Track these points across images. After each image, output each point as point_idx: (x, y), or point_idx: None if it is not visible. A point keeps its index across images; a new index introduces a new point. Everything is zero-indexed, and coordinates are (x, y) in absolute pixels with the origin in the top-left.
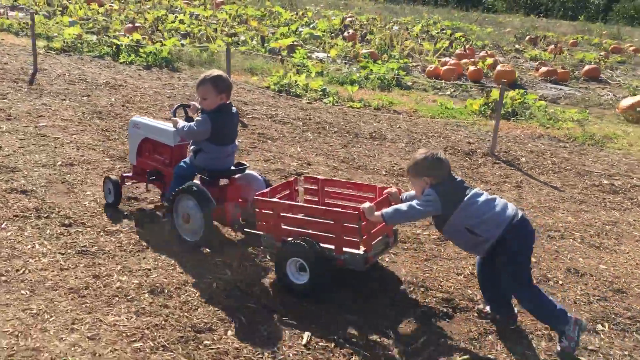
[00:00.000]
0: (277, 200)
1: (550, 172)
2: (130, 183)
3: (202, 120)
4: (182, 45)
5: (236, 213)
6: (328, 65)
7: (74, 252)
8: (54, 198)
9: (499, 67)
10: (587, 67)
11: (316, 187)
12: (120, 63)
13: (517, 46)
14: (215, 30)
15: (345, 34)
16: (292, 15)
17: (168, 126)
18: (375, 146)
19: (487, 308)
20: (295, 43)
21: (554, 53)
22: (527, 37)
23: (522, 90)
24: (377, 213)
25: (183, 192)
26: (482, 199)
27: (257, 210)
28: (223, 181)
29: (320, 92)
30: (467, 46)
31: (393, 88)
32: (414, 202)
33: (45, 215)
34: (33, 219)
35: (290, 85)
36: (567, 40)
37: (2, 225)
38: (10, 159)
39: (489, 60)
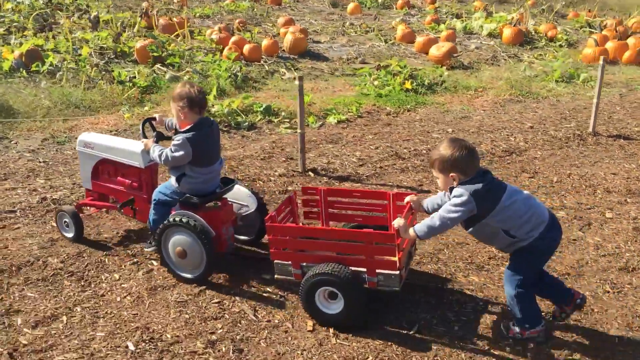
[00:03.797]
0: (298, 225)
1: None
2: (90, 212)
3: (179, 144)
4: None
5: (231, 236)
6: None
7: None
8: None
9: (290, 37)
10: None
11: (318, 198)
12: None
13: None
14: None
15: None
16: None
17: (133, 145)
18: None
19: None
20: (35, 46)
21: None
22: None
23: (394, 59)
24: (410, 231)
25: (174, 225)
26: (520, 197)
27: (270, 237)
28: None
29: (263, 113)
30: (176, 17)
31: (243, 85)
32: (443, 211)
33: None
34: None
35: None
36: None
37: None
38: None
39: (255, 29)
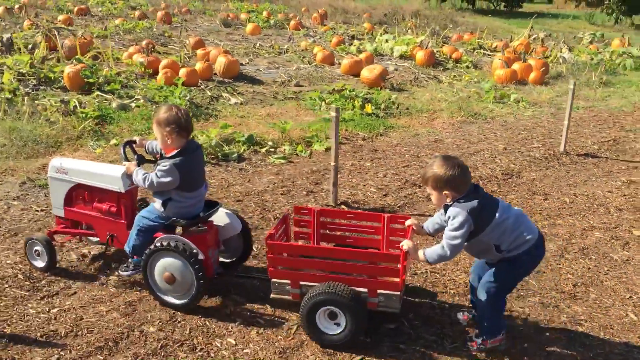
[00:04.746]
0: (300, 244)
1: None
2: (62, 239)
3: (166, 170)
4: None
5: (216, 260)
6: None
7: None
8: None
9: (223, 60)
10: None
11: (310, 219)
12: None
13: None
14: None
15: None
16: None
17: (112, 169)
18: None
19: (466, 314)
20: None
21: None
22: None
23: (340, 84)
24: (420, 254)
25: (163, 250)
26: (512, 214)
27: (269, 255)
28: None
29: (246, 143)
30: (79, 39)
31: (197, 112)
32: (448, 239)
33: None
34: None
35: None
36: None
37: None
38: None
39: (182, 51)
